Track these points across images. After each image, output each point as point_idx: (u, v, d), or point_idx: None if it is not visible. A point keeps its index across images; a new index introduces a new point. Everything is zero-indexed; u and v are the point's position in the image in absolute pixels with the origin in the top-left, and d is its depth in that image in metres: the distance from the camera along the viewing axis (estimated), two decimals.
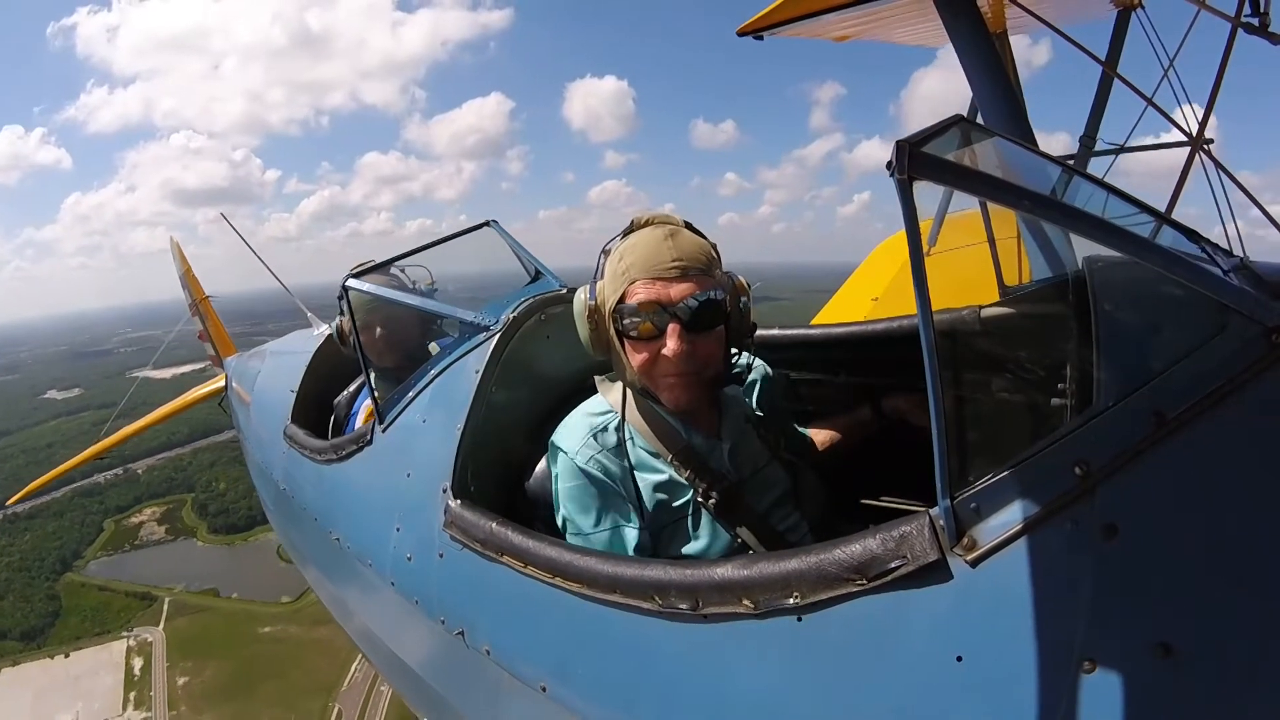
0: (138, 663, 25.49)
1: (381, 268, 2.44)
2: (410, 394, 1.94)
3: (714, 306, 1.35)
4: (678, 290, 1.33)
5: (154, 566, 32.02)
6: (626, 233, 1.43)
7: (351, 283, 2.30)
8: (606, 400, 1.51)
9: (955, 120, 1.10)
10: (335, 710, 21.78)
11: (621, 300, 1.37)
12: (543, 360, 1.89)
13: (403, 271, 2.55)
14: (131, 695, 23.87)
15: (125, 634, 27.19)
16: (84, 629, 28.17)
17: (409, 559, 1.77)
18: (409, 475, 1.83)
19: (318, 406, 2.97)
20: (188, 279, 7.63)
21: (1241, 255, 1.22)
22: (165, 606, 28.67)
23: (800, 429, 1.88)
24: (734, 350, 1.53)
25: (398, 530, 1.83)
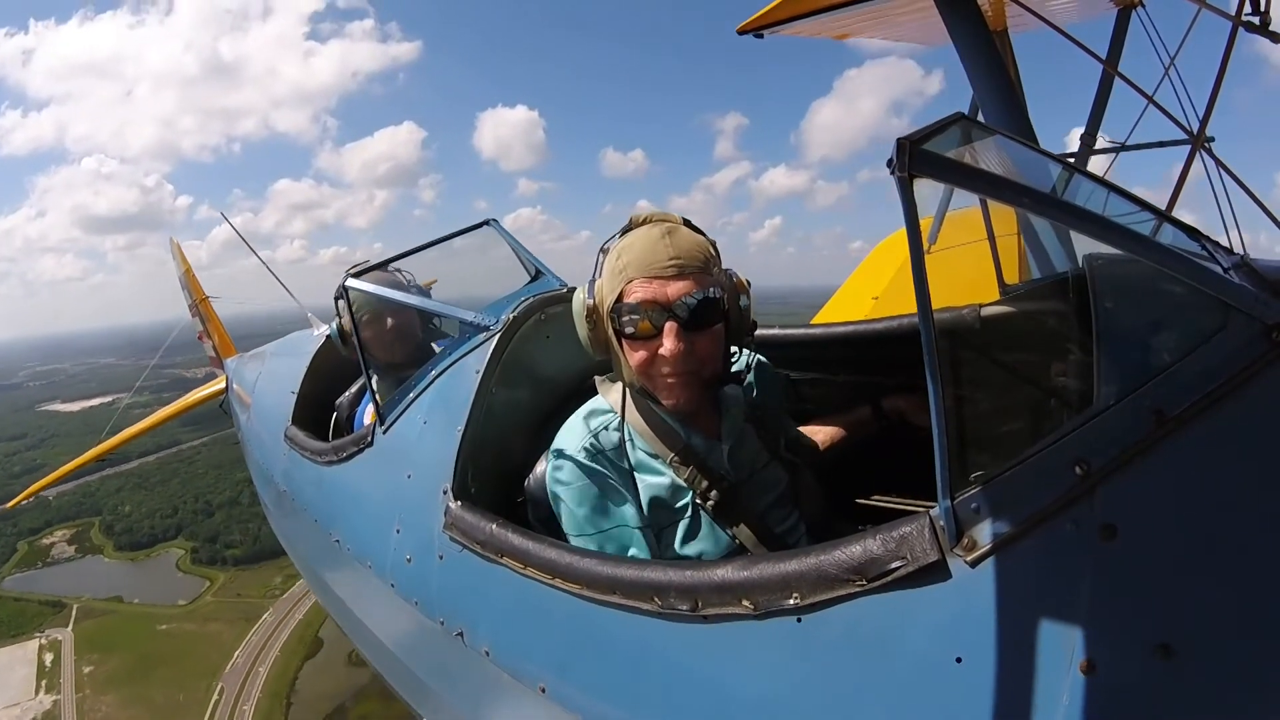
0: (49, 657, 28.75)
1: (380, 267, 2.45)
2: (411, 395, 1.94)
3: (712, 305, 1.34)
4: (675, 289, 1.32)
5: (64, 580, 35.40)
6: (624, 231, 1.43)
7: (351, 282, 2.30)
8: (607, 400, 1.51)
9: (956, 118, 1.09)
10: (219, 688, 25.47)
11: (619, 299, 1.36)
12: (543, 360, 1.88)
13: (400, 271, 2.56)
14: (43, 683, 27.22)
15: (38, 634, 30.26)
16: (0, 633, 31.21)
17: (409, 560, 1.77)
18: (409, 477, 1.83)
19: (318, 407, 2.97)
20: (187, 279, 7.65)
21: (1242, 253, 1.22)
22: (74, 612, 31.90)
23: (800, 429, 1.88)
24: (733, 349, 1.52)
25: (398, 532, 1.83)
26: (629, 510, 1.40)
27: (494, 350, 1.76)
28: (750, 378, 1.68)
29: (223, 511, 38.76)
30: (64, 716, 24.92)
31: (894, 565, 0.93)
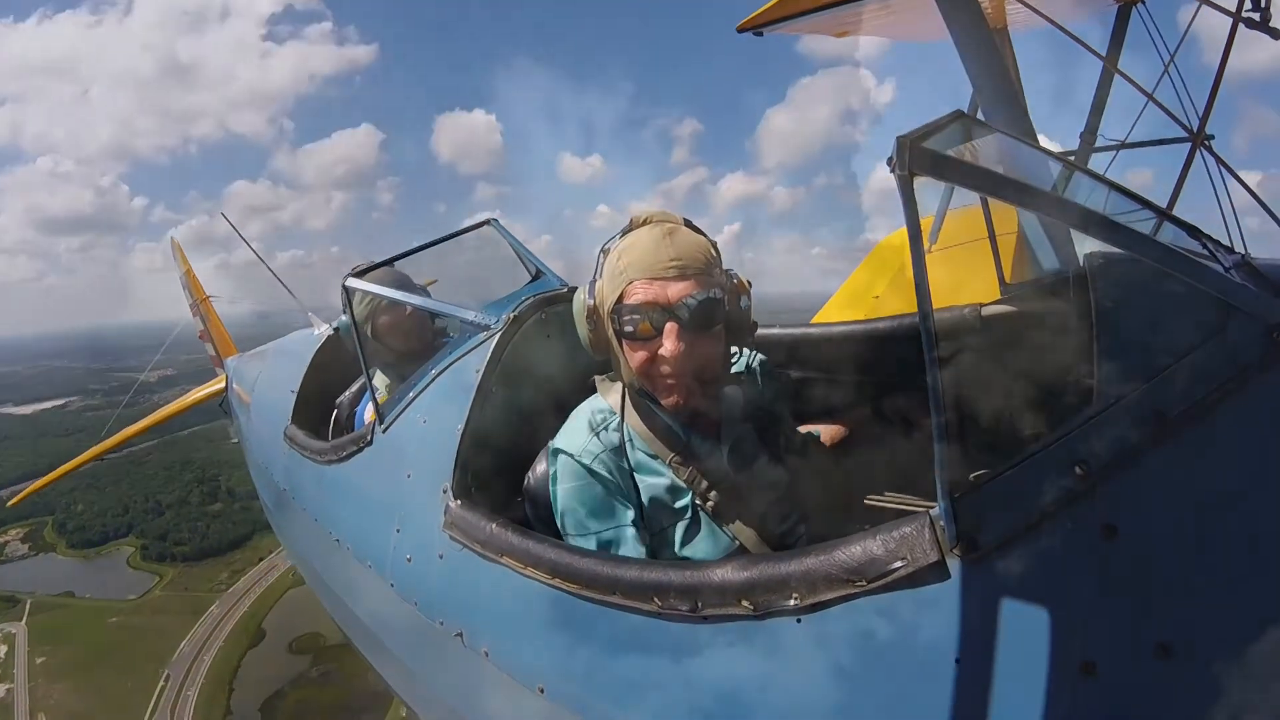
0: (2, 650, 29.89)
1: (386, 265, 2.46)
2: (411, 394, 1.93)
3: (712, 306, 1.34)
4: (676, 290, 1.32)
5: (18, 576, 36.58)
6: (625, 231, 1.42)
7: (351, 281, 2.30)
8: (606, 400, 1.50)
9: (956, 116, 1.09)
10: (165, 675, 26.83)
11: (620, 300, 1.36)
12: (543, 360, 1.88)
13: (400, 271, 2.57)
14: None
15: None
16: None
17: (409, 560, 1.77)
18: (409, 476, 1.83)
19: (319, 406, 2.97)
20: (188, 279, 7.66)
21: (1243, 252, 1.21)
22: (28, 606, 33.08)
23: (800, 428, 1.87)
24: (734, 350, 1.51)
25: (398, 531, 1.83)
26: (627, 511, 1.40)
27: (494, 349, 1.76)
28: (751, 378, 1.68)
29: (172, 510, 39.61)
30: (17, 704, 25.97)
31: (894, 565, 0.92)
